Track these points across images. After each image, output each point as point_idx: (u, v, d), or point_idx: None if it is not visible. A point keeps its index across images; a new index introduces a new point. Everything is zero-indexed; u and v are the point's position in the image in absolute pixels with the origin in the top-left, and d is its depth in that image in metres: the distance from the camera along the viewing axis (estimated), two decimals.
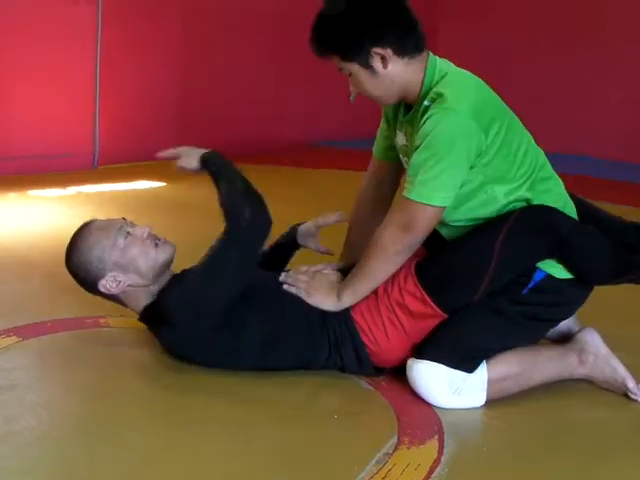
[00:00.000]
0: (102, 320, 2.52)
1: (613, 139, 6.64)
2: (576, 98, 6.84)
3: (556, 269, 2.10)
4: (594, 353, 2.19)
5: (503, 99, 2.15)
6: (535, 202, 2.11)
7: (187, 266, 2.31)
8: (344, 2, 2.04)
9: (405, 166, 2.21)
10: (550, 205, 2.10)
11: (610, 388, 2.20)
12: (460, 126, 1.99)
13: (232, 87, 5.98)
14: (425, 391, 2.07)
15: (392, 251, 2.07)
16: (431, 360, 2.06)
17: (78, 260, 2.18)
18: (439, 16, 7.41)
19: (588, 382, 2.22)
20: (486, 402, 2.09)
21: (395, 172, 2.35)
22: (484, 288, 2.06)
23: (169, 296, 2.13)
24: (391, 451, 1.83)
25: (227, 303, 2.09)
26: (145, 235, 2.18)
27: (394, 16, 2.06)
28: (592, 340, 2.20)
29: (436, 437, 1.92)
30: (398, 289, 2.12)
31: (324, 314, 2.14)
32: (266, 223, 2.11)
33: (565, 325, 2.30)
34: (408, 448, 1.86)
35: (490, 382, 2.08)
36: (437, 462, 1.80)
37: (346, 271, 2.22)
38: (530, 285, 2.09)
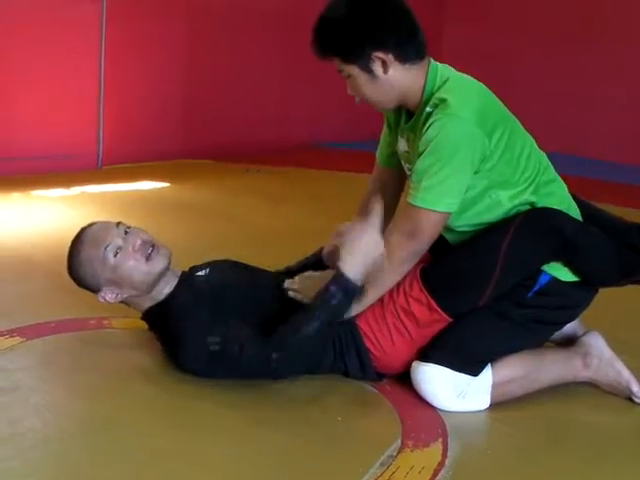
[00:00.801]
0: (105, 321, 2.52)
1: (615, 141, 6.63)
2: (579, 100, 6.84)
3: (561, 272, 2.10)
4: (598, 356, 2.19)
5: (507, 101, 2.15)
6: (539, 205, 2.11)
7: (190, 265, 2.32)
8: (346, 5, 2.03)
9: (407, 172, 2.20)
10: (554, 207, 2.10)
11: (614, 391, 2.20)
12: (464, 132, 1.98)
13: (236, 87, 5.97)
14: (429, 394, 2.07)
15: (397, 258, 2.06)
16: (436, 363, 2.06)
17: (75, 273, 2.21)
18: (444, 19, 7.42)
19: (592, 385, 2.22)
20: (490, 405, 2.09)
21: (399, 178, 2.34)
22: (490, 292, 2.05)
23: (188, 338, 2.08)
24: (395, 454, 1.83)
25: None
26: (137, 247, 2.14)
27: (396, 21, 2.05)
28: (596, 343, 2.20)
29: (440, 440, 1.92)
30: (404, 295, 2.11)
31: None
32: (299, 360, 2.05)
33: (570, 328, 2.30)
34: (412, 451, 1.86)
35: (494, 385, 2.08)
36: (441, 465, 1.80)
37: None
38: (535, 288, 2.09)
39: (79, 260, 2.17)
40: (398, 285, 2.12)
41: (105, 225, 2.21)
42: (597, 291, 2.19)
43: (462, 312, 2.09)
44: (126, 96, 5.33)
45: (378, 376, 2.19)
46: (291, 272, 2.33)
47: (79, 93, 5.14)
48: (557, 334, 2.27)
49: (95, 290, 2.19)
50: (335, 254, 2.09)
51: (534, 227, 2.06)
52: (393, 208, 2.32)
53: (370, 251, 2.03)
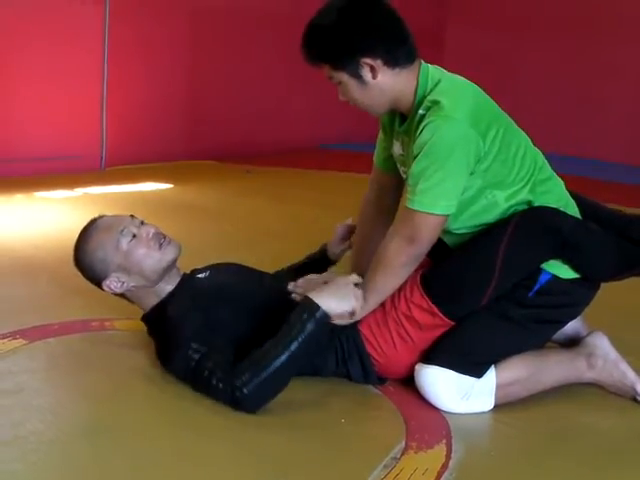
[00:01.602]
0: (107, 323, 2.52)
1: (615, 141, 6.64)
2: (579, 100, 6.85)
3: (561, 270, 2.09)
4: (603, 357, 2.18)
5: (507, 101, 2.14)
6: (536, 204, 2.10)
7: (193, 267, 2.32)
8: (335, 12, 2.02)
9: (403, 176, 2.20)
10: (552, 205, 2.10)
11: (619, 392, 2.19)
12: (458, 133, 1.97)
13: (238, 89, 5.98)
14: (433, 396, 2.07)
15: (398, 263, 2.05)
16: (439, 366, 2.05)
17: (83, 260, 2.20)
18: (446, 19, 7.42)
19: (596, 386, 2.21)
20: (494, 407, 2.08)
21: (397, 180, 2.33)
22: (490, 293, 2.05)
23: (180, 356, 2.06)
24: (399, 455, 1.83)
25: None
26: (150, 235, 2.18)
27: (385, 27, 2.04)
28: (601, 344, 2.19)
29: (444, 442, 1.91)
30: (405, 301, 2.11)
31: (332, 328, 2.12)
32: (259, 400, 1.97)
33: (573, 329, 2.29)
34: (416, 453, 1.85)
35: (498, 387, 2.08)
36: (445, 467, 1.80)
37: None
38: (536, 288, 2.08)
39: (90, 245, 2.17)
40: (399, 291, 2.12)
41: (120, 215, 2.25)
42: (599, 287, 2.18)
43: (463, 315, 2.08)
44: (129, 98, 5.34)
45: (380, 380, 2.19)
46: (293, 270, 2.32)
47: (82, 95, 5.15)
48: (560, 335, 2.27)
49: (102, 278, 2.17)
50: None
51: (532, 226, 2.05)
52: (393, 211, 2.31)
53: (340, 285, 2.04)
